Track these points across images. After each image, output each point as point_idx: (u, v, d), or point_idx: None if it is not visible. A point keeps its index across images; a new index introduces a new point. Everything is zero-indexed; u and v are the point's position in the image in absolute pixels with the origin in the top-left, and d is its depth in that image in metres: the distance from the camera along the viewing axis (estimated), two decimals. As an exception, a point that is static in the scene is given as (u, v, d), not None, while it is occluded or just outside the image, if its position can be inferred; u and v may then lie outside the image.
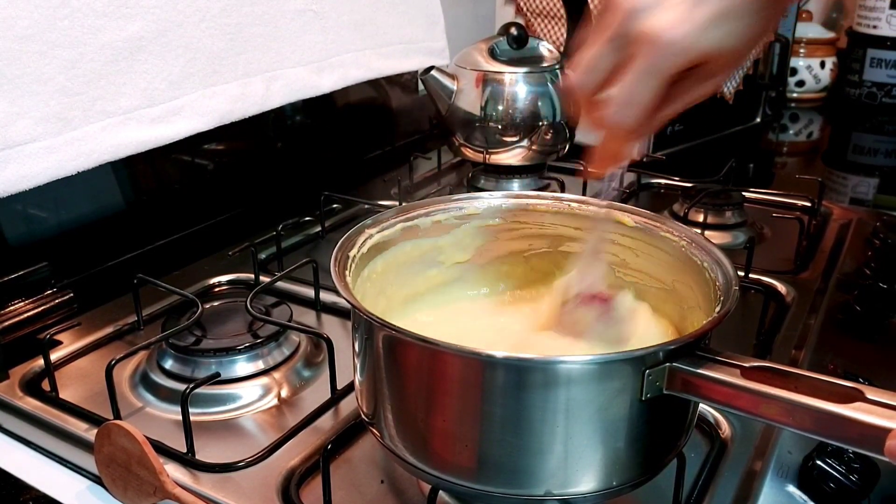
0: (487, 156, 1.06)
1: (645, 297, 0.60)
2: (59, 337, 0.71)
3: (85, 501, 0.56)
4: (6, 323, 0.72)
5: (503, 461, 0.44)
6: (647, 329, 0.55)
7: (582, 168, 0.51)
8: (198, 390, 0.59)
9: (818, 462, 0.53)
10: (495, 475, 0.44)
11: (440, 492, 0.50)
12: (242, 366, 0.66)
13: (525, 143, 1.04)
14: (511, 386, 0.42)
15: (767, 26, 0.44)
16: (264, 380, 0.66)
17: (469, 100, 1.04)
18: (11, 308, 0.73)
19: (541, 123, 1.03)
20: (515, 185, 1.08)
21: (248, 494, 0.53)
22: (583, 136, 1.06)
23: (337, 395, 0.64)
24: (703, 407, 0.60)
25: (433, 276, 0.63)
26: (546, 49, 1.07)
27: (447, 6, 1.20)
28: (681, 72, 0.44)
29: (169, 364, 0.67)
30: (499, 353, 0.42)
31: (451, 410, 0.45)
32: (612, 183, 0.52)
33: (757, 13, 0.43)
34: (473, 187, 1.10)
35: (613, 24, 0.44)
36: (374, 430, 0.49)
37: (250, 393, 0.65)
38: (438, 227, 0.61)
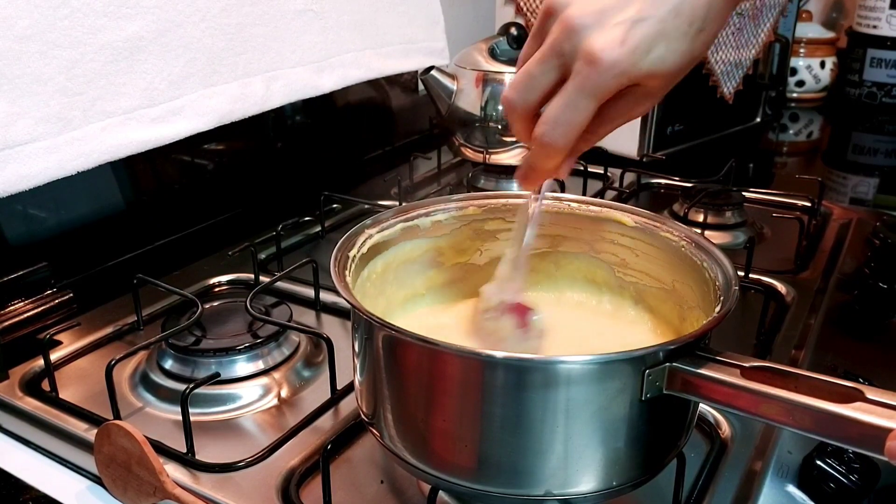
0: (487, 156, 1.06)
1: (644, 297, 0.60)
2: (59, 337, 0.71)
3: (85, 501, 0.56)
4: (6, 323, 0.72)
5: (503, 461, 0.44)
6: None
7: (520, 176, 0.50)
8: (198, 390, 0.59)
9: (818, 462, 0.53)
10: (495, 475, 0.44)
11: (440, 492, 0.50)
12: (242, 366, 0.66)
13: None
14: (511, 386, 0.42)
15: (703, 49, 0.44)
16: (264, 380, 0.66)
17: (469, 100, 1.04)
18: (11, 308, 0.73)
19: (541, 123, 1.03)
20: (515, 185, 1.08)
21: (248, 494, 0.53)
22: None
23: (337, 395, 0.64)
24: (703, 407, 0.60)
25: (433, 277, 0.63)
26: (546, 49, 1.07)
27: (447, 6, 1.20)
28: (614, 93, 0.44)
29: (169, 364, 0.67)
30: (499, 354, 0.42)
31: (451, 410, 0.45)
32: (540, 197, 0.52)
33: (693, 36, 0.43)
34: (473, 187, 1.10)
35: (551, 40, 0.43)
36: (374, 430, 0.49)
37: (250, 393, 0.65)
38: (439, 227, 0.61)
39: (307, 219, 0.99)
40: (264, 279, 0.81)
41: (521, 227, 0.53)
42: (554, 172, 0.48)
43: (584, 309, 0.63)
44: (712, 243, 0.54)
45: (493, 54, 1.04)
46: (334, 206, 1.02)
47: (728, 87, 1.29)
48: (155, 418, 0.63)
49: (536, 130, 0.45)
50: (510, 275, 0.53)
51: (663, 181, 1.14)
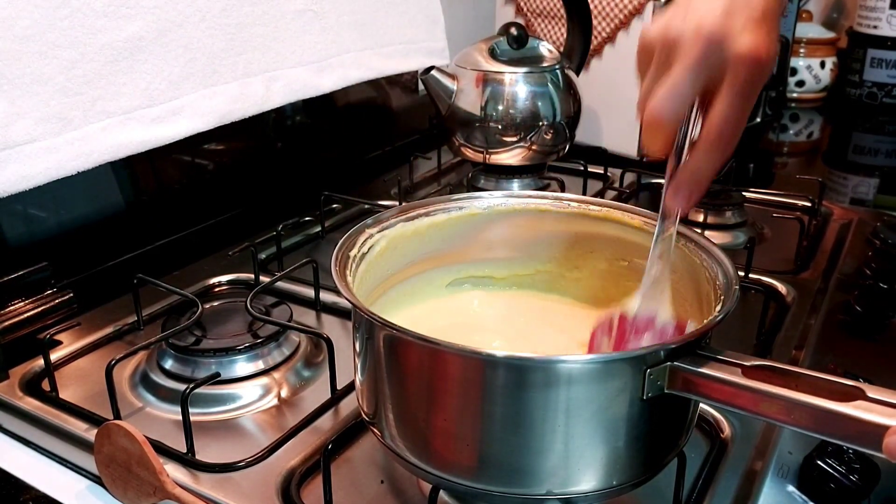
0: (487, 156, 1.06)
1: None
2: (59, 337, 0.71)
3: (85, 501, 0.56)
4: (6, 323, 0.72)
5: (504, 460, 0.44)
6: None
7: (680, 192, 0.50)
8: (198, 390, 0.59)
9: (818, 462, 0.53)
10: (496, 474, 0.44)
11: (441, 491, 0.50)
12: (242, 366, 0.66)
13: (525, 143, 1.04)
14: (512, 385, 0.42)
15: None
16: (264, 380, 0.66)
17: (469, 100, 1.04)
18: (11, 308, 0.73)
19: (541, 123, 1.03)
20: (515, 185, 1.08)
21: (248, 494, 0.53)
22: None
23: (337, 395, 0.64)
24: (704, 406, 0.60)
25: (434, 277, 0.63)
26: (546, 49, 1.07)
27: (447, 6, 1.20)
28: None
29: (169, 364, 0.67)
30: (499, 353, 0.42)
31: (452, 410, 0.45)
32: (675, 219, 0.52)
33: (779, 14, 0.47)
34: (473, 187, 1.10)
35: (694, 55, 0.45)
36: (375, 430, 0.49)
37: (250, 393, 0.65)
38: (439, 227, 0.61)
39: (307, 219, 0.99)
40: (264, 279, 0.81)
41: (660, 250, 0.51)
42: (714, 176, 0.49)
43: (583, 309, 0.63)
44: (712, 243, 0.54)
45: (493, 54, 1.04)
46: (334, 206, 1.02)
47: (728, 88, 1.29)
48: (155, 418, 0.63)
49: (708, 136, 0.47)
50: (653, 295, 0.51)
51: (663, 181, 1.14)
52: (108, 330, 0.75)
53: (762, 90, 1.41)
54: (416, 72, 1.17)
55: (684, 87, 0.46)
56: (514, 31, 1.05)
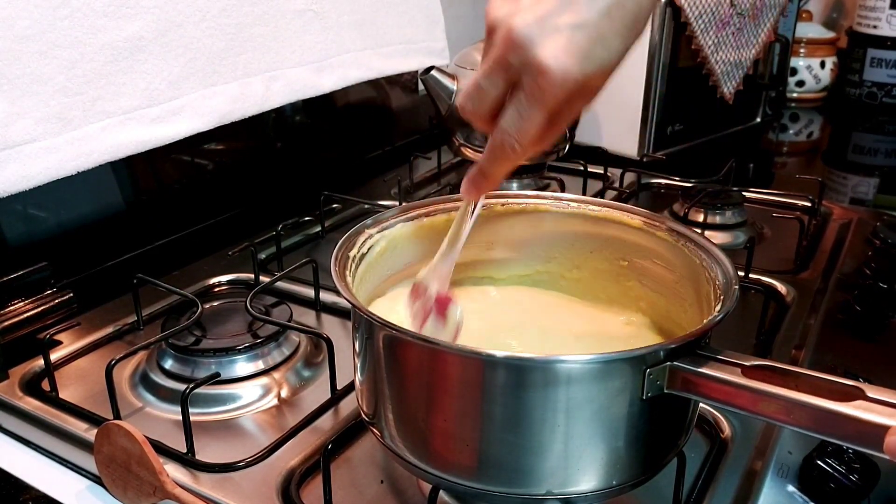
0: (487, 156, 1.05)
1: (645, 296, 0.60)
2: (59, 337, 0.71)
3: (85, 501, 0.56)
4: (6, 323, 0.72)
5: (504, 460, 0.44)
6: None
7: (471, 181, 0.51)
8: (198, 390, 0.59)
9: (818, 462, 0.53)
10: (496, 474, 0.44)
11: (440, 491, 0.50)
12: (242, 366, 0.66)
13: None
14: (511, 385, 0.42)
15: (634, 42, 0.45)
16: (264, 380, 0.66)
17: (469, 100, 1.03)
18: (11, 308, 0.73)
19: (541, 123, 1.03)
20: (515, 185, 1.08)
21: (248, 494, 0.53)
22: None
23: (337, 395, 0.64)
24: (704, 407, 0.60)
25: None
26: (546, 49, 1.07)
27: (447, 6, 1.20)
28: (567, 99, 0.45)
29: (169, 364, 0.67)
30: (499, 353, 0.42)
31: (452, 410, 0.45)
32: (480, 204, 0.53)
33: (630, 31, 0.44)
34: (473, 187, 1.10)
35: (496, 54, 0.44)
36: (375, 430, 0.49)
37: (250, 393, 0.65)
38: (439, 227, 0.61)
39: (307, 219, 0.99)
40: (264, 279, 0.81)
41: (458, 225, 0.54)
42: (503, 178, 0.49)
43: (583, 309, 0.63)
44: (712, 243, 0.54)
45: (493, 54, 1.04)
46: (334, 206, 1.02)
47: (728, 87, 1.29)
48: (155, 418, 0.63)
49: (494, 139, 0.46)
50: (440, 265, 0.54)
51: (663, 181, 1.14)
52: (108, 330, 0.75)
53: (763, 89, 1.40)
54: (416, 72, 1.17)
55: (484, 85, 0.45)
56: (514, 31, 1.05)
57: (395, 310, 0.57)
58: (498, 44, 0.44)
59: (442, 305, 0.53)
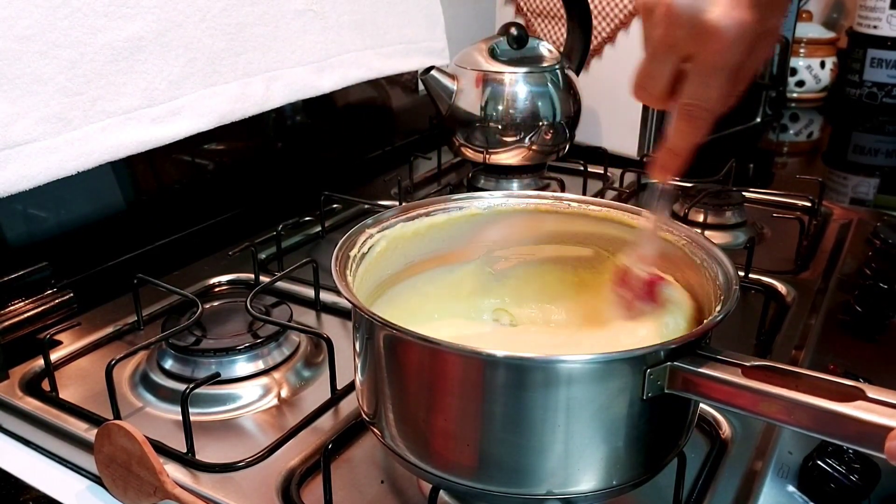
0: (487, 156, 1.06)
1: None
2: (59, 337, 0.71)
3: (85, 501, 0.56)
4: (6, 323, 0.72)
5: (504, 460, 0.44)
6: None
7: (659, 163, 0.51)
8: (198, 390, 0.59)
9: (818, 462, 0.53)
10: (496, 474, 0.44)
11: (441, 491, 0.50)
12: (242, 366, 0.66)
13: (525, 143, 1.04)
14: (512, 385, 0.42)
15: None
16: (264, 380, 0.66)
17: (469, 100, 1.04)
18: (11, 308, 0.73)
19: (541, 123, 1.03)
20: (515, 185, 1.08)
21: (248, 494, 0.53)
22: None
23: (337, 395, 0.64)
24: (704, 407, 0.60)
25: (434, 277, 0.63)
26: (546, 49, 1.07)
27: (447, 6, 1.20)
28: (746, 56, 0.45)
29: (169, 364, 0.67)
30: (499, 353, 0.42)
31: (452, 410, 0.45)
32: (664, 191, 0.53)
33: None
34: (473, 187, 1.10)
35: (661, 31, 0.44)
36: (375, 430, 0.49)
37: (250, 393, 0.65)
38: (439, 227, 0.61)
39: (307, 219, 0.99)
40: (264, 279, 0.81)
41: (653, 209, 0.54)
42: (693, 152, 0.49)
43: (583, 309, 0.63)
44: (712, 243, 0.54)
45: (493, 54, 1.04)
46: (334, 206, 1.02)
47: (728, 88, 1.29)
48: (155, 418, 0.63)
49: (681, 114, 0.46)
50: (643, 250, 0.54)
51: (663, 181, 1.14)
52: (108, 330, 0.75)
53: (763, 89, 1.40)
54: (416, 72, 1.17)
55: (653, 68, 0.45)
56: (514, 31, 1.05)
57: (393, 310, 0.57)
58: (659, 23, 0.44)
59: (652, 287, 0.53)
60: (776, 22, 0.44)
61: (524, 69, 1.03)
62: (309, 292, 0.80)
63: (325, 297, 0.80)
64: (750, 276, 0.82)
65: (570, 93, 1.06)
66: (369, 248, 0.56)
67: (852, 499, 0.51)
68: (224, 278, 0.85)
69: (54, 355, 0.69)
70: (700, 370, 0.42)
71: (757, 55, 0.45)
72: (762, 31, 0.43)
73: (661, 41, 0.44)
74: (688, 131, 0.47)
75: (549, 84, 1.04)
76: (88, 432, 0.59)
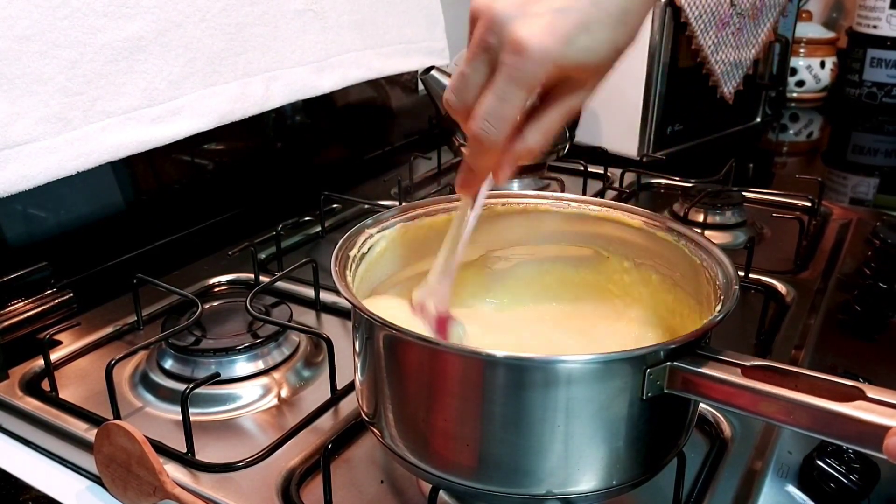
0: (487, 156, 1.05)
1: (644, 296, 0.60)
2: (59, 337, 0.71)
3: (85, 501, 0.56)
4: (6, 323, 0.72)
5: (504, 460, 0.44)
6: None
7: (458, 182, 0.51)
8: (198, 390, 0.59)
9: (818, 462, 0.53)
10: (496, 474, 0.44)
11: (440, 491, 0.50)
12: (242, 366, 0.66)
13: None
14: (511, 385, 0.42)
15: (626, 40, 0.44)
16: (264, 380, 0.66)
17: (469, 100, 1.03)
18: (11, 308, 0.73)
19: (541, 123, 1.03)
20: (515, 185, 1.08)
21: (248, 494, 0.53)
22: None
23: (337, 395, 0.64)
24: (703, 406, 0.60)
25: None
26: (546, 49, 1.07)
27: (447, 6, 1.20)
28: (546, 84, 0.44)
29: (169, 364, 0.67)
30: (499, 353, 0.42)
31: (452, 410, 0.45)
32: (477, 205, 0.52)
33: (613, 27, 0.43)
34: (473, 187, 1.10)
35: (477, 36, 0.43)
36: (375, 430, 0.49)
37: (250, 393, 0.65)
38: (439, 227, 0.61)
39: (307, 219, 0.99)
40: (264, 279, 0.81)
41: (454, 235, 0.53)
42: (489, 172, 0.48)
43: (582, 309, 0.63)
44: (712, 243, 0.54)
45: (492, 54, 1.04)
46: (334, 206, 1.02)
47: (728, 87, 1.29)
48: (155, 418, 0.63)
49: (470, 127, 0.45)
50: (438, 283, 0.53)
51: (663, 181, 1.14)
52: (108, 330, 0.75)
53: (763, 89, 1.40)
54: (416, 72, 1.17)
55: (466, 72, 0.44)
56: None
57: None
58: (478, 27, 0.43)
59: (442, 325, 0.53)
60: (584, 75, 0.44)
61: (524, 69, 1.03)
62: (309, 292, 0.80)
63: (325, 297, 0.80)
64: (750, 276, 0.82)
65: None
66: (369, 248, 0.56)
67: (852, 499, 0.51)
68: (224, 278, 0.85)
69: (54, 355, 0.69)
70: (700, 370, 0.42)
71: (559, 97, 0.45)
72: (565, 72, 0.43)
73: (476, 44, 0.43)
74: (477, 150, 0.46)
75: (549, 84, 1.04)
76: (88, 432, 0.59)
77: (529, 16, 0.41)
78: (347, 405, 0.63)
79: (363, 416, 0.51)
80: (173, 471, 0.55)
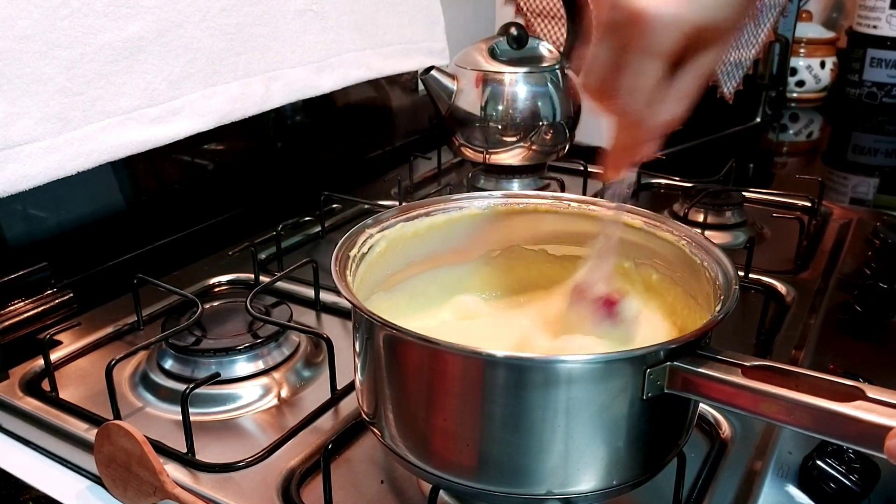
0: (487, 156, 1.06)
1: (644, 296, 0.60)
2: (59, 337, 0.71)
3: (85, 501, 0.56)
4: (6, 323, 0.72)
5: (504, 460, 0.44)
6: (653, 330, 0.55)
7: (600, 171, 0.51)
8: (198, 390, 0.59)
9: (818, 462, 0.53)
10: (496, 474, 0.44)
11: (441, 491, 0.50)
12: (242, 366, 0.66)
13: (525, 143, 1.04)
14: (512, 385, 0.42)
15: None
16: (264, 380, 0.66)
17: (469, 100, 1.04)
18: (11, 308, 0.73)
19: (541, 123, 1.03)
20: (515, 185, 1.08)
21: (248, 494, 0.53)
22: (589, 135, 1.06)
23: (337, 395, 0.64)
24: (704, 406, 0.60)
25: (434, 277, 0.63)
26: (546, 49, 1.07)
27: (447, 6, 1.20)
28: (679, 48, 0.44)
29: (169, 364, 0.67)
30: (499, 353, 0.42)
31: (452, 410, 0.45)
32: (625, 183, 0.53)
33: None
34: (473, 187, 1.10)
35: (603, 18, 0.44)
36: (375, 430, 0.49)
37: (250, 393, 0.65)
38: (439, 227, 0.61)
39: (307, 219, 0.99)
40: (264, 279, 0.81)
41: (610, 219, 0.54)
42: (637, 149, 0.48)
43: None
44: (713, 243, 0.54)
45: (493, 54, 1.04)
46: (334, 206, 1.02)
47: (728, 87, 1.29)
48: (155, 418, 0.63)
49: (614, 106, 0.45)
50: (596, 266, 0.54)
51: (663, 181, 1.14)
52: (108, 330, 0.75)
53: (763, 89, 1.40)
54: (416, 72, 1.17)
55: (596, 52, 0.44)
56: (514, 31, 1.05)
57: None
58: (604, 7, 0.43)
59: (611, 305, 0.52)
60: (713, 32, 0.43)
61: (524, 69, 1.03)
62: (309, 292, 0.80)
63: (325, 297, 0.80)
64: (750, 276, 0.82)
65: (570, 93, 1.06)
66: (369, 248, 0.56)
67: (852, 499, 0.51)
68: (224, 278, 0.85)
69: (54, 355, 0.69)
70: (700, 370, 0.42)
71: (695, 57, 0.45)
72: (694, 32, 0.42)
73: (603, 24, 0.44)
74: (625, 127, 0.47)
75: (549, 84, 1.04)
76: (88, 432, 0.59)
77: None
78: (347, 405, 0.63)
79: (363, 416, 0.51)
80: (173, 471, 0.55)
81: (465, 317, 0.62)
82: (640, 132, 0.47)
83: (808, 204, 0.99)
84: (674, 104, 0.47)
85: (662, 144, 0.49)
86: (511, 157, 1.05)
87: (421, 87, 1.11)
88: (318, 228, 0.98)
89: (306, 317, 0.78)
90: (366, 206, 0.99)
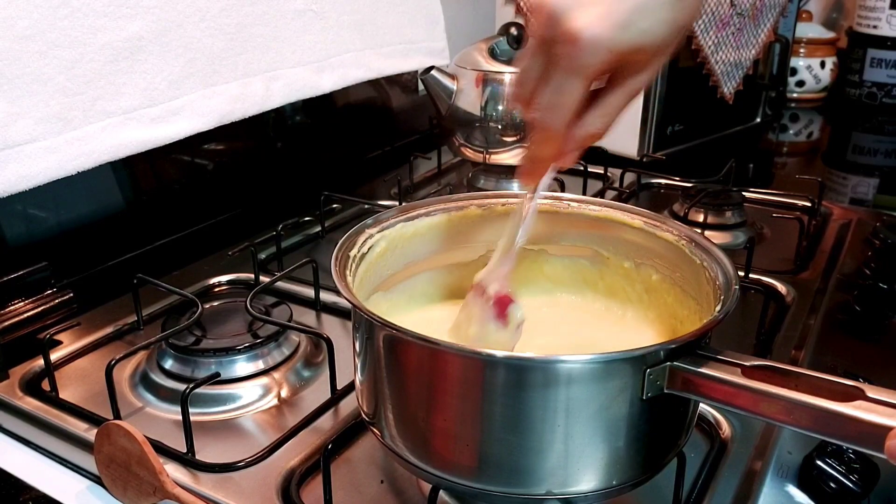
0: (487, 156, 1.06)
1: (644, 296, 0.60)
2: (59, 337, 0.71)
3: (85, 501, 0.56)
4: (6, 323, 0.72)
5: (504, 460, 0.44)
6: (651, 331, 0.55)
7: (521, 172, 0.51)
8: (198, 390, 0.59)
9: (818, 462, 0.53)
10: (496, 474, 0.44)
11: (440, 491, 0.50)
12: (242, 366, 0.66)
13: (525, 143, 1.04)
14: (512, 385, 0.42)
15: (687, 18, 0.44)
16: (264, 380, 0.66)
17: (469, 100, 1.04)
18: (11, 308, 0.73)
19: (541, 123, 1.03)
20: (515, 185, 1.08)
21: (248, 494, 0.53)
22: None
23: (337, 395, 0.64)
24: (703, 406, 0.60)
25: (435, 277, 0.63)
26: (546, 49, 1.07)
27: (447, 6, 1.20)
28: (609, 69, 0.44)
29: (169, 364, 0.67)
30: (499, 353, 0.42)
31: (452, 410, 0.45)
32: (536, 195, 0.52)
33: (676, 2, 0.43)
34: (473, 187, 1.10)
35: (536, 31, 0.44)
36: (375, 430, 0.49)
37: (250, 393, 0.65)
38: (439, 227, 0.61)
39: (307, 219, 0.99)
40: (264, 279, 0.81)
41: (516, 223, 0.54)
42: (552, 161, 0.49)
43: (582, 309, 0.63)
44: (712, 243, 0.54)
45: (493, 54, 1.04)
46: (334, 206, 1.02)
47: (728, 87, 1.29)
48: (155, 418, 0.63)
49: (531, 117, 0.46)
50: (498, 265, 0.54)
51: (663, 181, 1.14)
52: (108, 330, 0.75)
53: (763, 89, 1.40)
54: (416, 72, 1.17)
55: (526, 66, 0.45)
56: (514, 31, 1.05)
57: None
58: (539, 21, 0.44)
59: (502, 306, 0.53)
60: (643, 56, 0.44)
61: (524, 69, 1.03)
62: (309, 292, 0.80)
63: (325, 297, 0.80)
64: (750, 276, 0.82)
65: (570, 93, 1.06)
66: (369, 248, 0.56)
67: (852, 499, 0.51)
68: (224, 278, 0.85)
69: (54, 355, 0.69)
70: (700, 370, 0.42)
71: (622, 80, 0.45)
72: (622, 56, 0.43)
73: (536, 39, 0.44)
74: (538, 140, 0.47)
75: (549, 84, 1.04)
76: (88, 432, 0.59)
77: (585, 6, 0.42)
78: (347, 405, 0.63)
79: (363, 416, 0.51)
80: (173, 471, 0.55)
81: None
82: (557, 145, 0.47)
83: (808, 204, 0.99)
84: (597, 120, 0.47)
85: (582, 154, 0.49)
86: (511, 157, 1.05)
87: (421, 87, 1.11)
88: (318, 228, 0.97)
89: (306, 317, 0.78)
90: (366, 206, 0.99)
